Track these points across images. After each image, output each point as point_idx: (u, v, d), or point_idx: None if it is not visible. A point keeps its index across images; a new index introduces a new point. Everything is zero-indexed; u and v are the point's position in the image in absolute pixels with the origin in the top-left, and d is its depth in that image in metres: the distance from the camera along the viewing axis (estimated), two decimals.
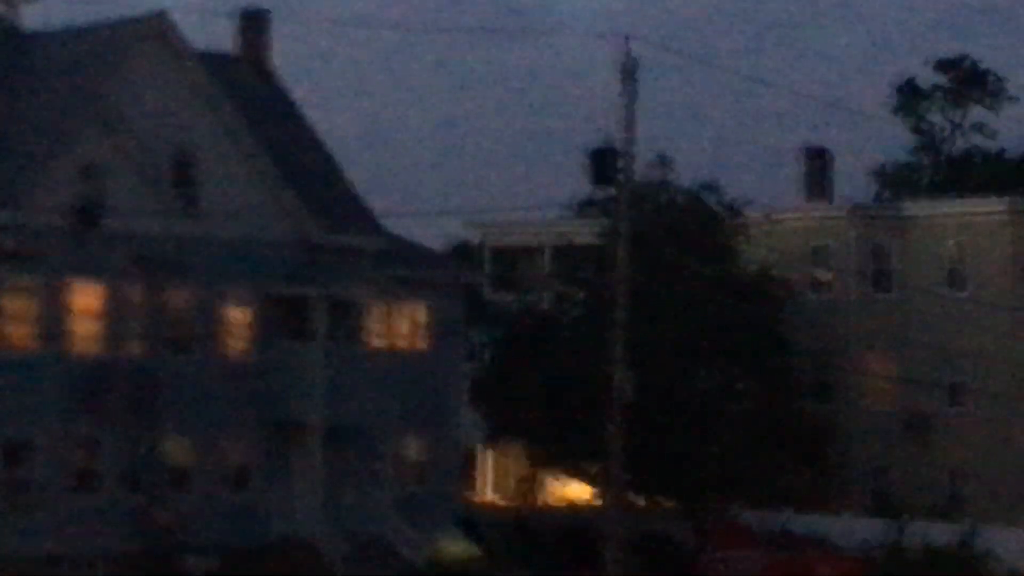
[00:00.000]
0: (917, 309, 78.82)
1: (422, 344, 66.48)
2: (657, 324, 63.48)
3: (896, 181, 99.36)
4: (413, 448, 65.98)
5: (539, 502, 78.70)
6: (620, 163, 54.59)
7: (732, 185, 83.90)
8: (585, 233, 76.42)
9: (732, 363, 72.87)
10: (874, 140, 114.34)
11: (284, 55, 71.23)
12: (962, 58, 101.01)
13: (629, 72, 52.03)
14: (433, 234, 79.87)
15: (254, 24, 69.89)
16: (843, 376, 79.38)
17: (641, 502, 69.16)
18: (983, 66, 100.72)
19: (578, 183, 71.60)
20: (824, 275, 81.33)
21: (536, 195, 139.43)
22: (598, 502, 65.67)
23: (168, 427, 60.17)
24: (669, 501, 73.12)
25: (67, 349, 58.85)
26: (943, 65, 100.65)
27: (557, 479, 79.30)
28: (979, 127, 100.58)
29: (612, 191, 57.66)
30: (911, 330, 78.72)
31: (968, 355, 77.11)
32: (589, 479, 72.96)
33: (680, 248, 73.15)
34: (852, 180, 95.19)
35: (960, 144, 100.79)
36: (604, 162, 55.89)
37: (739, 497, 72.59)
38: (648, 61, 54.52)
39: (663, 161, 77.05)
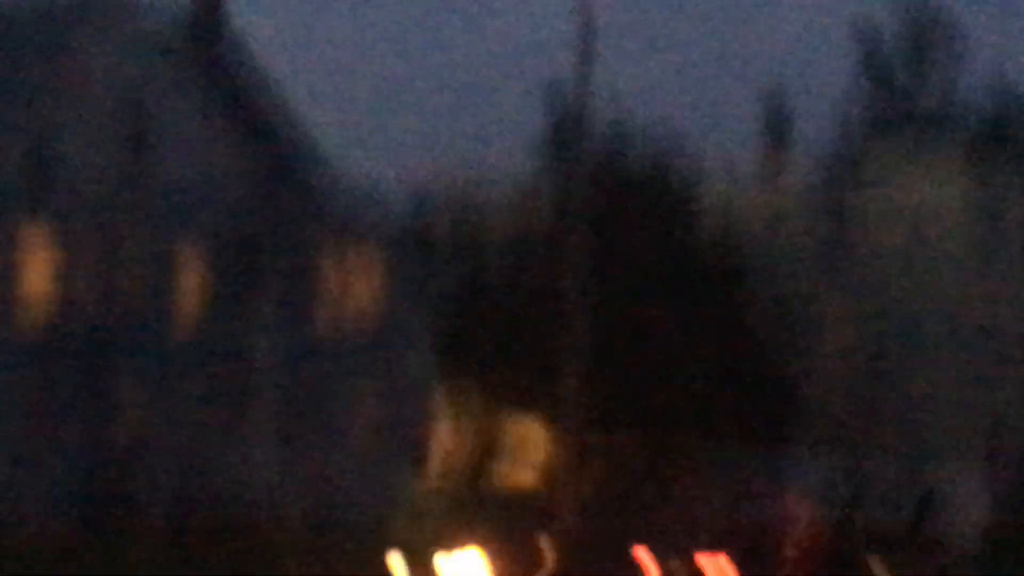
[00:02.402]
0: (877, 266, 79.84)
1: (378, 292, 67.59)
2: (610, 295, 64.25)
3: (862, 138, 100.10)
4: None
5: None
6: (573, 126, 54.18)
7: (692, 143, 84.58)
8: (537, 202, 78.00)
9: (681, 320, 73.52)
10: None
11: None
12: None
13: (582, 19, 51.53)
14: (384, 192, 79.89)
15: None
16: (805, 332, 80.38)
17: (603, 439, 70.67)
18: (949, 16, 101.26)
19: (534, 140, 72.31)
20: (784, 236, 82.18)
21: (487, 160, 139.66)
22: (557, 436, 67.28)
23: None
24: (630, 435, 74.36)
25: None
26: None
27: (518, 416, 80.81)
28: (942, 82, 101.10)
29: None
30: (871, 285, 79.74)
31: (927, 305, 78.29)
32: (547, 416, 74.67)
33: (637, 216, 73.80)
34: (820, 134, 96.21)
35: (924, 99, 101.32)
36: (557, 126, 56.03)
37: (694, 430, 73.65)
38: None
39: (617, 122, 77.37)
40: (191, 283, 62.68)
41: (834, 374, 79.49)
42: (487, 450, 78.45)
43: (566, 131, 55.20)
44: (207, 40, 66.75)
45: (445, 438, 74.93)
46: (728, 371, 74.95)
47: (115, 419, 60.44)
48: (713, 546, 41.63)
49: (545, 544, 40.85)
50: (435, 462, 72.53)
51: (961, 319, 77.85)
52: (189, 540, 51.95)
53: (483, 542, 38.68)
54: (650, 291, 71.57)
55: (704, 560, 39.89)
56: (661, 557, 39.97)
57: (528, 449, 76.89)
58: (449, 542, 38.76)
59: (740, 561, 40.97)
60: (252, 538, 52.13)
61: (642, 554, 39.94)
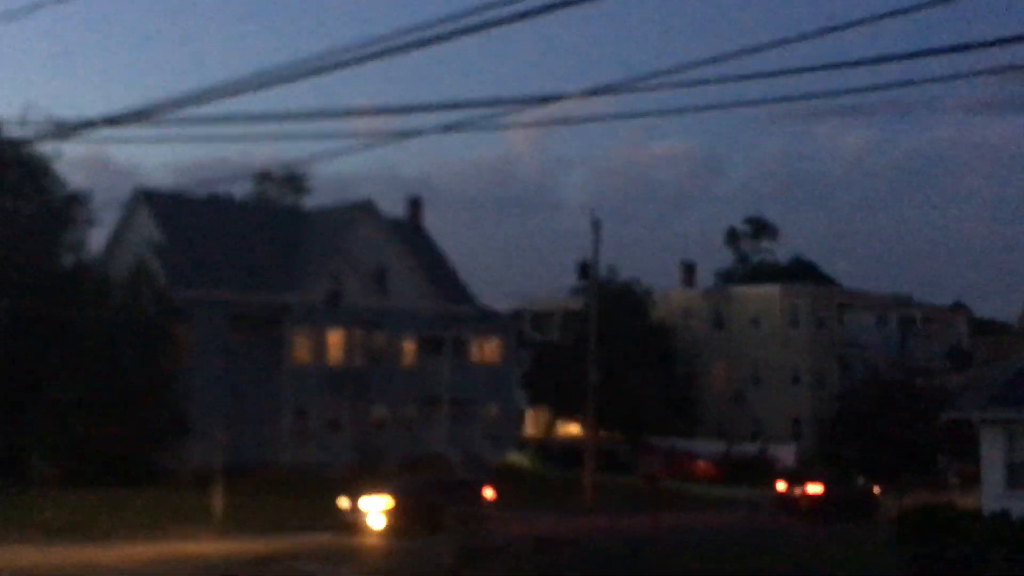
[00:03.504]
0: (736, 339, 78.49)
1: (497, 359, 65.58)
2: (609, 348, 62.90)
3: (726, 276, 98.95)
4: (493, 410, 65.02)
5: (554, 435, 78.22)
6: (590, 270, 54.27)
7: (648, 277, 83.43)
8: (575, 304, 76.33)
9: (644, 369, 72.34)
10: (716, 256, 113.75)
11: (428, 218, 71.02)
12: (757, 217, 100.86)
13: (595, 225, 51.75)
14: (502, 303, 79.44)
15: (415, 203, 69.89)
16: (701, 372, 79.11)
17: (603, 434, 68.84)
18: (767, 220, 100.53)
19: (572, 278, 71.83)
20: (692, 323, 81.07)
21: (552, 284, 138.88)
22: (583, 434, 65.20)
23: (374, 401, 59.57)
24: (617, 433, 72.76)
25: (326, 362, 58.26)
26: (747, 220, 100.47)
27: (563, 423, 78.87)
28: (766, 250, 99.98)
29: (587, 283, 57.13)
30: (734, 349, 78.40)
31: (760, 362, 76.87)
32: (578, 422, 72.63)
33: (619, 311, 72.68)
34: (706, 276, 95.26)
35: (756, 257, 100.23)
36: (583, 269, 55.64)
37: (651, 431, 72.16)
38: (605, 217, 54.69)
39: (612, 267, 76.93)
40: (408, 349, 61.85)
41: None
42: None
43: (587, 277, 54.64)
44: (414, 234, 67.52)
45: None
46: None
47: None
48: None
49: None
50: None
51: None
52: None
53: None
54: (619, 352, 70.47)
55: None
56: None
57: None
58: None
59: None
60: None
61: None
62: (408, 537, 35.05)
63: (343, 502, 37.22)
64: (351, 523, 36.60)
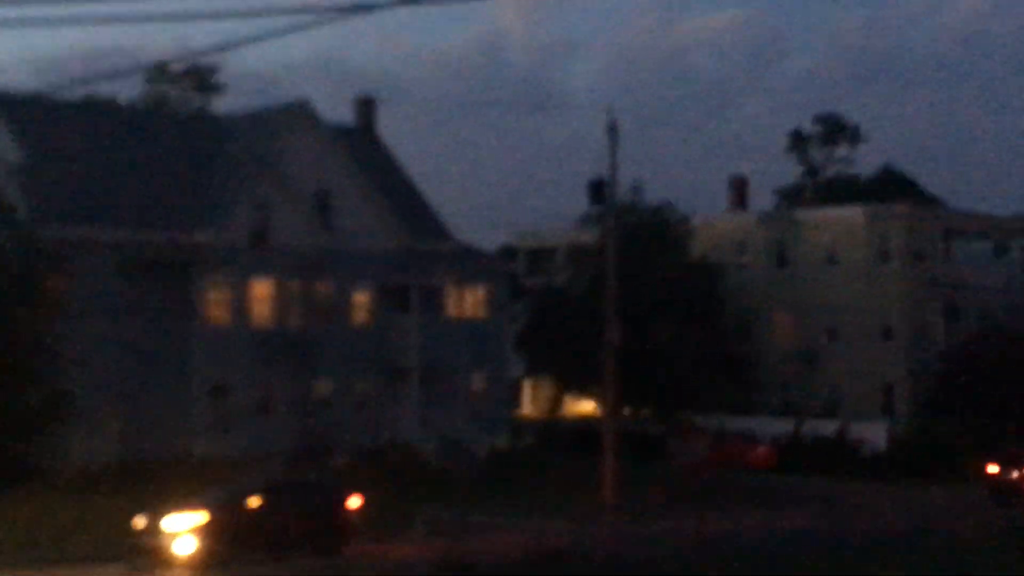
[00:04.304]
0: (805, 280, 79.21)
1: (482, 313, 66.24)
2: (634, 295, 63.61)
3: (790, 196, 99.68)
4: (478, 381, 65.73)
5: (561, 414, 79.02)
6: (607, 190, 54.78)
7: (684, 200, 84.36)
8: (586, 237, 76.89)
9: (682, 323, 72.99)
10: (776, 169, 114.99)
11: (386, 125, 71.62)
12: (831, 114, 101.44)
13: (611, 130, 52.22)
14: (487, 239, 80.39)
15: (364, 105, 70.32)
16: (758, 324, 79.96)
17: (627, 412, 69.59)
18: (845, 119, 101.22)
19: (582, 203, 72.24)
20: (745, 259, 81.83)
21: (553, 212, 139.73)
22: (600, 412, 66.05)
23: (317, 373, 60.17)
24: (646, 410, 73.57)
25: (251, 323, 58.84)
26: (818, 119, 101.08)
27: (573, 398, 79.65)
28: (843, 159, 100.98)
29: (603, 208, 57.61)
30: (802, 294, 79.12)
31: (839, 310, 77.51)
32: (593, 397, 73.40)
33: (647, 245, 73.38)
34: (762, 196, 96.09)
35: (830, 170, 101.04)
36: (597, 190, 55.87)
37: (691, 406, 72.96)
38: (625, 120, 55.12)
39: (636, 187, 77.66)
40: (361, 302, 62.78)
41: None
42: None
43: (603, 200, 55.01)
44: (367, 146, 67.89)
45: None
46: None
47: None
48: None
49: None
50: None
51: None
52: None
53: None
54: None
55: None
56: None
57: None
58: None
59: None
60: None
61: None
62: (233, 568, 34.05)
63: (139, 521, 35.38)
64: (150, 550, 34.76)
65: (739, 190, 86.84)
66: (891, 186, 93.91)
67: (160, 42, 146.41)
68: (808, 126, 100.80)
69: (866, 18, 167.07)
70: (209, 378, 57.17)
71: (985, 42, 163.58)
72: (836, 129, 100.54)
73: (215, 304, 57.83)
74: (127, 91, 76.51)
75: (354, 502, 37.70)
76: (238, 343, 57.81)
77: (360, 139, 67.74)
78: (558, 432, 72.90)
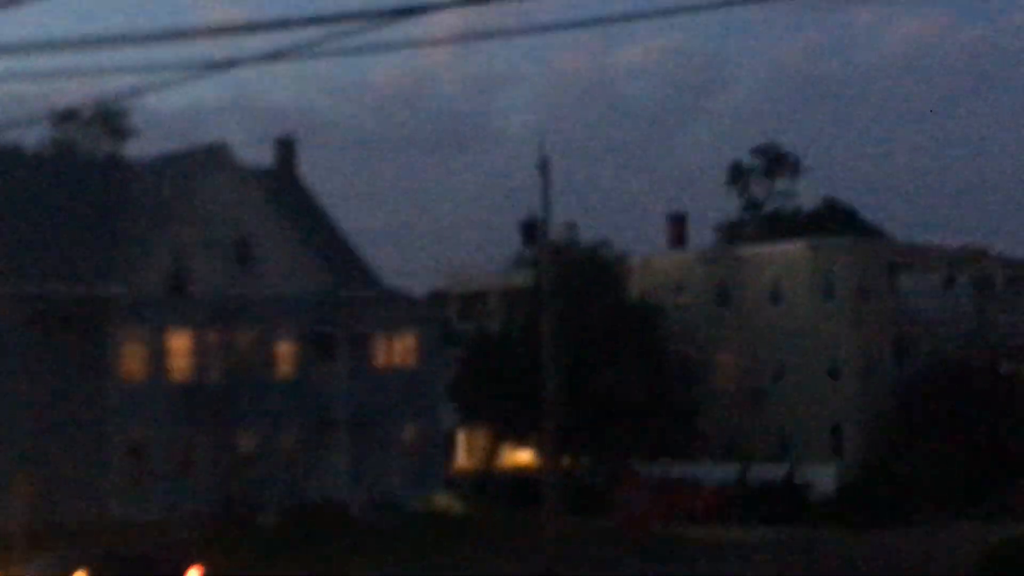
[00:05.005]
0: (749, 318, 79.04)
1: (412, 361, 65.83)
2: (571, 338, 63.13)
3: (731, 231, 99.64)
4: (410, 432, 65.25)
5: (497, 465, 78.48)
6: (540, 230, 54.31)
7: (622, 238, 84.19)
8: (520, 279, 76.63)
9: (622, 365, 72.71)
10: (716, 203, 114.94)
11: (307, 165, 71.23)
12: (770, 146, 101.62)
13: (543, 166, 51.73)
14: (417, 283, 79.89)
15: (285, 146, 70.02)
16: (701, 366, 79.67)
17: (566, 460, 69.04)
18: (785, 151, 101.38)
19: (515, 242, 72.10)
20: (686, 298, 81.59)
21: (485, 252, 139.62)
22: (538, 462, 65.44)
23: (240, 427, 59.61)
24: (586, 459, 73.08)
25: (169, 377, 58.27)
26: (757, 151, 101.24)
27: (510, 448, 79.13)
28: (784, 192, 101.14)
29: (537, 249, 57.25)
30: (746, 333, 78.93)
31: (784, 348, 77.32)
32: (531, 446, 73.00)
33: (584, 286, 73.15)
34: (703, 231, 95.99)
35: (771, 204, 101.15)
36: (530, 230, 55.49)
37: (634, 453, 72.53)
38: (557, 156, 54.87)
39: (570, 226, 77.40)
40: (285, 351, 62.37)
41: None
42: None
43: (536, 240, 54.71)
44: (288, 188, 67.43)
45: None
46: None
47: None
48: None
49: None
50: None
51: None
52: None
53: None
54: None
55: None
56: None
57: None
58: None
59: None
60: None
61: None
62: None
63: None
64: None
65: (678, 227, 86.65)
66: (834, 219, 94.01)
67: (67, 87, 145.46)
68: (748, 158, 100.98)
69: (806, 46, 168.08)
70: (126, 436, 56.60)
71: (932, 62, 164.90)
72: (776, 161, 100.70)
73: (130, 358, 57.35)
74: (33, 137, 75.66)
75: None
76: (155, 399, 57.23)
77: (280, 181, 67.42)
78: (495, 484, 72.34)
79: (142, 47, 17.15)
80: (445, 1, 16.72)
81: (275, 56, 17.90)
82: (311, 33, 17.15)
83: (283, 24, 16.80)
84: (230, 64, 18.45)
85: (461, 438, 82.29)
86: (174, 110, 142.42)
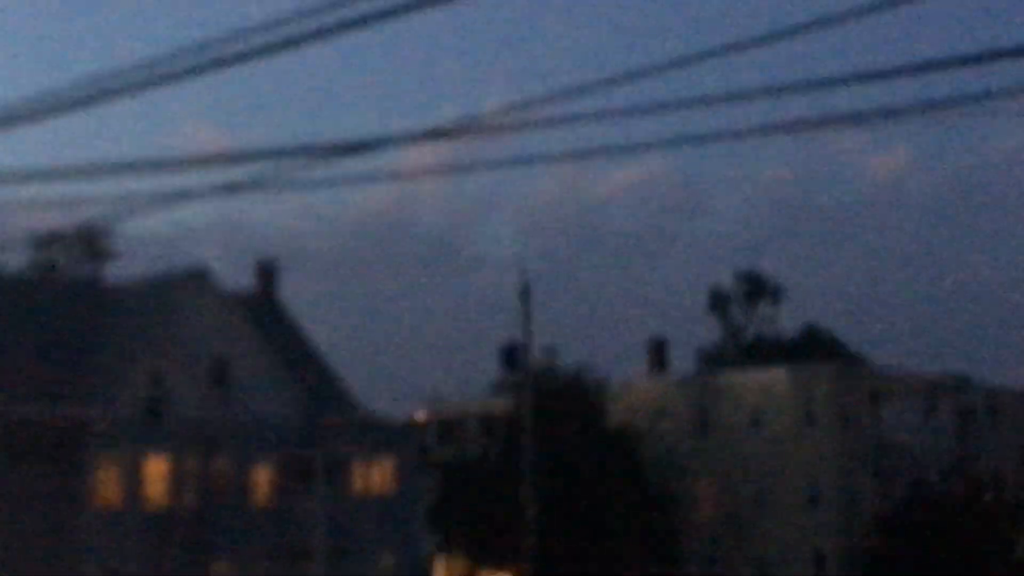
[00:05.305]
0: (729, 446, 79.11)
1: (390, 487, 65.41)
2: (551, 465, 63.31)
3: (711, 357, 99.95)
4: (387, 559, 64.59)
5: None
6: (520, 356, 54.69)
7: (602, 363, 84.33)
8: (499, 405, 76.67)
9: (602, 492, 72.66)
10: (697, 329, 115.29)
11: (288, 289, 71.46)
12: (751, 272, 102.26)
13: (524, 293, 52.30)
14: (396, 408, 79.96)
15: (266, 270, 70.24)
16: (680, 493, 79.55)
17: None
18: (765, 277, 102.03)
19: (495, 367, 72.16)
20: (665, 424, 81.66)
21: (465, 377, 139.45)
22: None
23: (217, 555, 59.22)
24: None
25: (144, 503, 57.88)
26: (738, 277, 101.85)
27: (488, 574, 78.76)
28: (765, 318, 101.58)
29: (517, 375, 57.54)
30: (726, 460, 78.96)
31: (765, 476, 77.39)
32: (510, 573, 72.69)
33: (564, 412, 73.25)
34: (683, 356, 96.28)
35: (752, 330, 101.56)
36: (510, 355, 55.85)
37: None
38: (538, 279, 55.36)
39: (550, 350, 77.60)
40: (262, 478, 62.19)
41: None
42: None
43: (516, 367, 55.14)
44: (268, 313, 67.55)
45: None
46: None
47: None
48: None
49: None
50: None
51: None
52: None
53: None
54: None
55: None
56: None
57: None
58: None
59: None
60: None
61: None
62: None
63: None
64: None
65: (658, 352, 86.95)
66: (815, 346, 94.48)
67: (48, 209, 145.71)
68: (729, 283, 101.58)
69: (788, 173, 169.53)
70: (100, 564, 56.02)
71: (912, 191, 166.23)
72: (757, 287, 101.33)
73: (106, 483, 56.85)
74: (13, 259, 75.86)
75: None
76: (131, 525, 56.78)
77: (261, 306, 67.56)
78: None
79: (112, 176, 17.32)
80: (394, 138, 16.77)
81: (232, 188, 17.85)
82: (271, 165, 17.21)
83: (241, 157, 16.92)
84: (184, 196, 18.48)
85: (439, 565, 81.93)
86: (156, 232, 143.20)
